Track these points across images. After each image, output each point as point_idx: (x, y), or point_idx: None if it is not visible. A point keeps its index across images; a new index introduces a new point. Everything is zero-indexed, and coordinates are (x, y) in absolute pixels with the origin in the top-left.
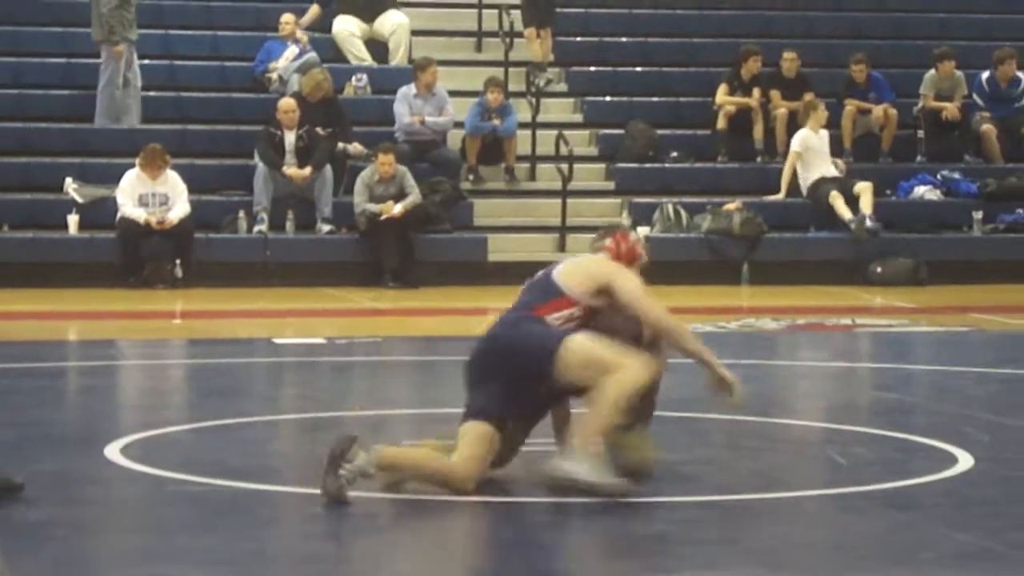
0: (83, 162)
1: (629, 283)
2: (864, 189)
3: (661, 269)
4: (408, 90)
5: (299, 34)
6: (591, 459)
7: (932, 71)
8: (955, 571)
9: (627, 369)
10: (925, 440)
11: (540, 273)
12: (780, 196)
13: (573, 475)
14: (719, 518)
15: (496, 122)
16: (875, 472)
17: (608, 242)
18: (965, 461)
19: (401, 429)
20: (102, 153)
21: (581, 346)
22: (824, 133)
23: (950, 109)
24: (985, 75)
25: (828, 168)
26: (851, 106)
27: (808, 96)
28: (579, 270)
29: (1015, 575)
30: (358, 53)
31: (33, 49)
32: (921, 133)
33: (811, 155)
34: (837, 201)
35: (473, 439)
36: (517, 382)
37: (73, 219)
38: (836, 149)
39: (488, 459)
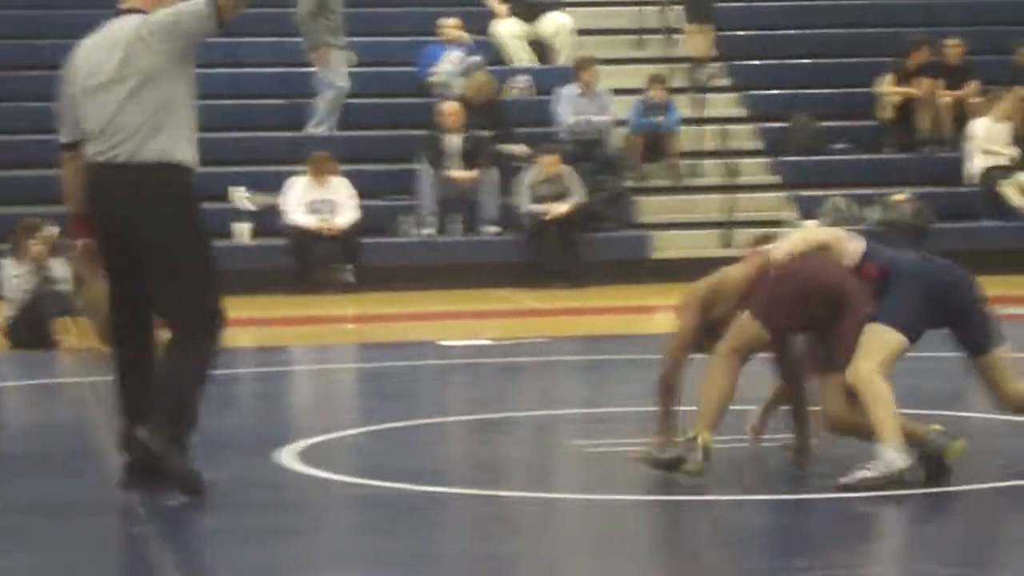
0: (252, 171)
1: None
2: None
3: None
4: (570, 90)
5: (463, 36)
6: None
7: None
8: None
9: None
10: None
11: None
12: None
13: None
14: (885, 512)
15: (660, 119)
16: None
17: None
18: None
19: (568, 429)
20: (271, 161)
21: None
22: (1006, 124)
23: None
24: None
25: (999, 158)
26: (1017, 93)
27: (972, 84)
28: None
29: None
30: (520, 55)
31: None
32: None
33: (987, 145)
34: (1010, 190)
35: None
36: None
37: (244, 227)
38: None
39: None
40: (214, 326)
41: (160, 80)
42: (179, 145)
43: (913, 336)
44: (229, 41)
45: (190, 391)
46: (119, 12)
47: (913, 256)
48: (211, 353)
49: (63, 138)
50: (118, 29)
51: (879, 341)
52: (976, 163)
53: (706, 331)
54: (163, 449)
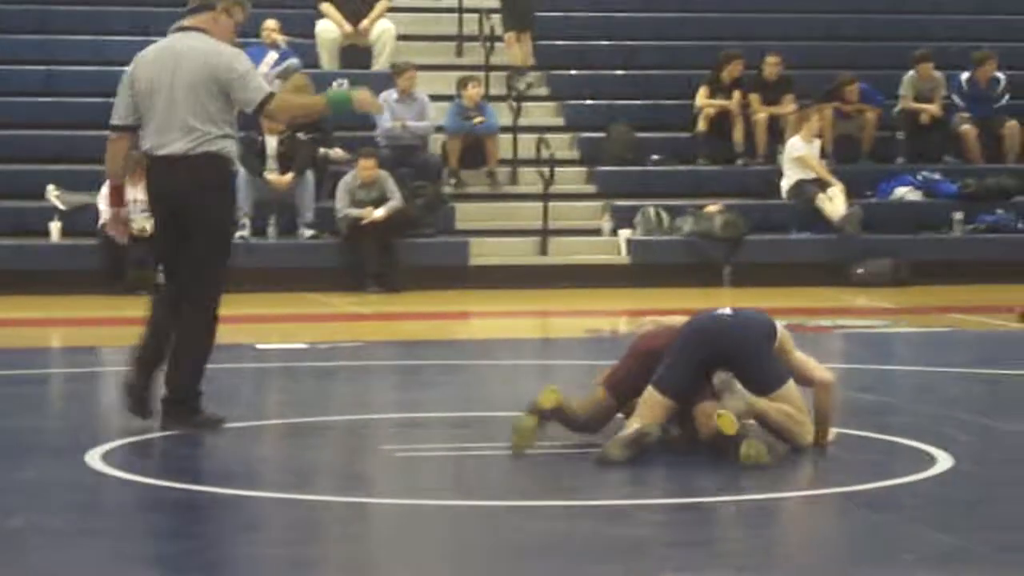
0: (66, 169)
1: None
2: (837, 192)
3: (643, 272)
4: (389, 95)
5: (279, 39)
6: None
7: (911, 72)
8: (936, 572)
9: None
10: (905, 441)
11: None
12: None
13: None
14: (694, 520)
15: (477, 120)
16: (855, 473)
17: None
18: (945, 461)
19: (381, 434)
20: (85, 160)
21: (791, 396)
22: (816, 141)
23: (931, 110)
24: (964, 76)
25: (809, 172)
26: (829, 109)
27: (789, 99)
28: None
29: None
30: (333, 59)
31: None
32: (901, 135)
33: (800, 161)
34: (825, 203)
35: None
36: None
37: (55, 226)
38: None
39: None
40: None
41: (206, 99)
42: (224, 142)
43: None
44: (44, 39)
45: (199, 355)
46: (181, 28)
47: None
48: (214, 323)
49: (115, 121)
50: (187, 48)
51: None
52: (790, 177)
53: None
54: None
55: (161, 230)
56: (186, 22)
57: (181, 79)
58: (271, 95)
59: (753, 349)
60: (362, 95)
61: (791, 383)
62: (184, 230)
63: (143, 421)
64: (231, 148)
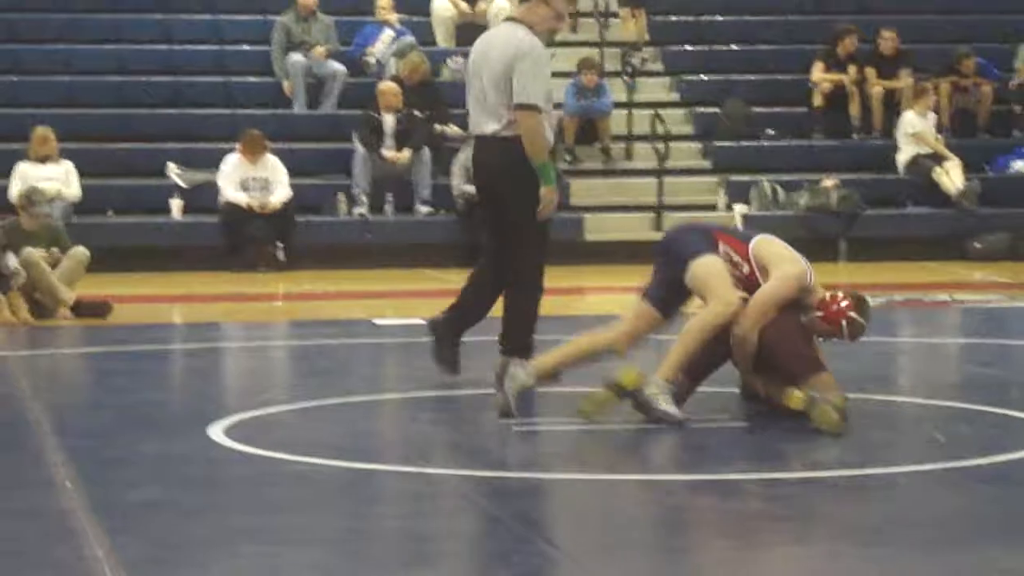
0: (185, 147)
1: (778, 286)
2: (953, 166)
3: None
4: None
5: (392, 18)
6: (664, 389)
7: None
8: None
9: (710, 305)
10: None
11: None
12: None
13: (648, 402)
14: (815, 494)
15: (592, 102)
16: (974, 448)
17: (833, 295)
18: None
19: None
20: (203, 138)
21: (705, 266)
22: (932, 116)
23: None
24: None
25: (924, 146)
26: (945, 84)
27: (905, 74)
28: (773, 246)
29: None
30: (449, 36)
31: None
32: (1019, 108)
33: (917, 136)
34: (942, 176)
35: (633, 316)
36: (669, 277)
37: (177, 203)
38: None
39: (641, 335)
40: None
41: (505, 86)
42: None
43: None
44: (163, 19)
45: (528, 322)
46: (510, 19)
47: None
48: (532, 288)
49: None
50: (498, 37)
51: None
52: (906, 151)
53: None
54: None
55: (479, 202)
56: (515, 12)
57: (489, 66)
58: (530, 106)
59: (680, 246)
60: (551, 194)
61: (706, 264)
62: (495, 204)
63: (450, 375)
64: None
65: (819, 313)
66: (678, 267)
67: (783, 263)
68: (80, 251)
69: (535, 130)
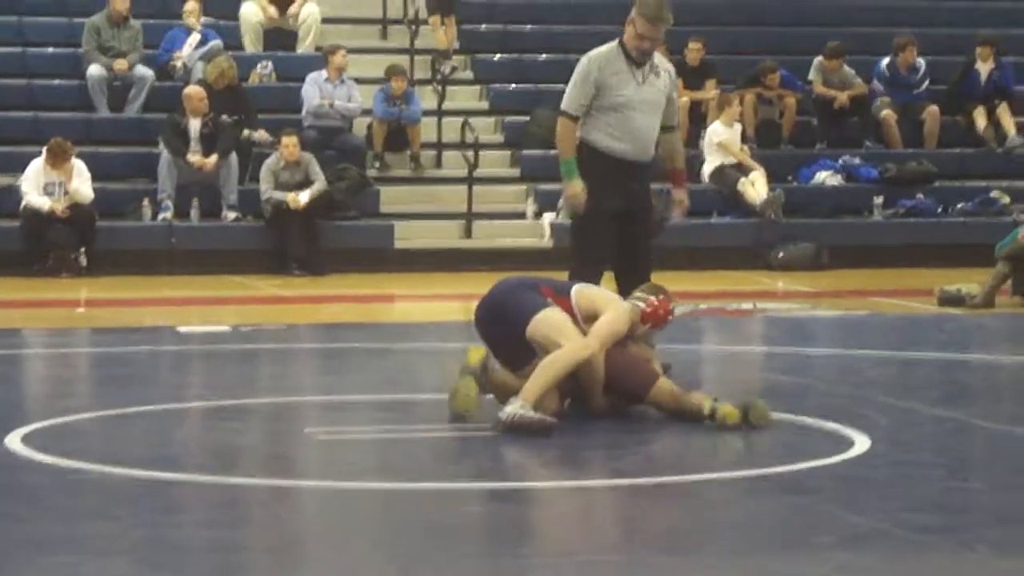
0: None
1: (610, 324)
2: (758, 177)
3: (569, 256)
4: (318, 75)
5: (195, 23)
6: (524, 406)
7: (819, 58)
8: (851, 553)
9: (567, 346)
10: (823, 423)
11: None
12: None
13: (509, 415)
14: (615, 502)
15: (401, 108)
16: (773, 455)
17: (653, 299)
18: (862, 444)
19: (307, 416)
20: (6, 141)
21: (548, 318)
22: (738, 126)
23: (841, 99)
24: (885, 61)
25: (730, 156)
26: (750, 95)
27: (711, 85)
28: (592, 292)
29: (911, 557)
30: (257, 42)
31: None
32: (816, 121)
33: (722, 146)
34: (747, 187)
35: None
36: (502, 335)
37: None
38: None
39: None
40: None
41: None
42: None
43: None
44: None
45: None
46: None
47: None
48: None
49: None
50: None
51: None
52: (711, 162)
53: None
54: None
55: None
56: None
57: None
58: (564, 113)
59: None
60: (576, 191)
61: (548, 317)
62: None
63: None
64: (590, 138)
65: (649, 324)
66: (519, 328)
67: (611, 303)
68: None
69: (560, 133)
